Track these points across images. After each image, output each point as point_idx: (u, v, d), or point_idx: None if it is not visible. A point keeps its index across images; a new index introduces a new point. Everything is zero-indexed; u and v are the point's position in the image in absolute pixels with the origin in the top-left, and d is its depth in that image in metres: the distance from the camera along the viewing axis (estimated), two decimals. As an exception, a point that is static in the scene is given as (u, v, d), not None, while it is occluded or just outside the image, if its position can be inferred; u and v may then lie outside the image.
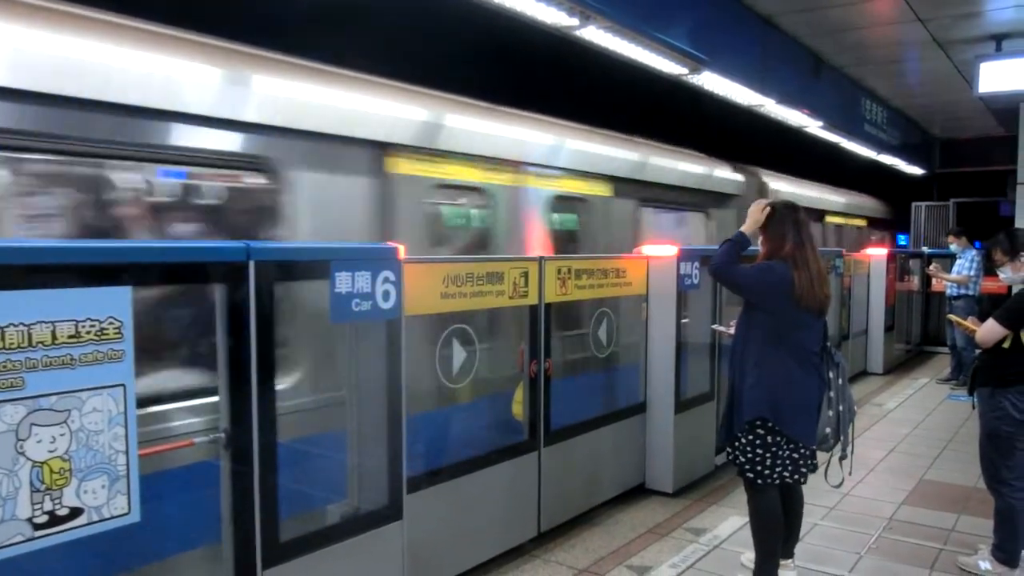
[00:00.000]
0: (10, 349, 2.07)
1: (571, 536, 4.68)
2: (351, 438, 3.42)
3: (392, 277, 3.19)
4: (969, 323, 4.34)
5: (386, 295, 3.17)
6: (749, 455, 3.71)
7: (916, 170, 14.34)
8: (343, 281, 3.00)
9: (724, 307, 5.80)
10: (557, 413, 4.54)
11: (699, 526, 4.82)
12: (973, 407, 4.27)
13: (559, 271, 4.50)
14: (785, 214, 3.78)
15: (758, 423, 3.66)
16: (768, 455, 3.67)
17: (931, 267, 10.25)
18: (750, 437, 3.69)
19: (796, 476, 3.77)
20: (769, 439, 3.66)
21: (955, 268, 9.59)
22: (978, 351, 4.31)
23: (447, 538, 3.94)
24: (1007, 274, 4.32)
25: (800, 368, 3.68)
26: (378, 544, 3.29)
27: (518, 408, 4.44)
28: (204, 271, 2.70)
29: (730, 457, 3.89)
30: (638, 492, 5.41)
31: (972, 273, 9.26)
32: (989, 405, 4.10)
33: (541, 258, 4.37)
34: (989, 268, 7.33)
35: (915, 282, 11.88)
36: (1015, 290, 4.18)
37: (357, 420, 3.39)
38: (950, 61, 9.07)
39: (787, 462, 3.71)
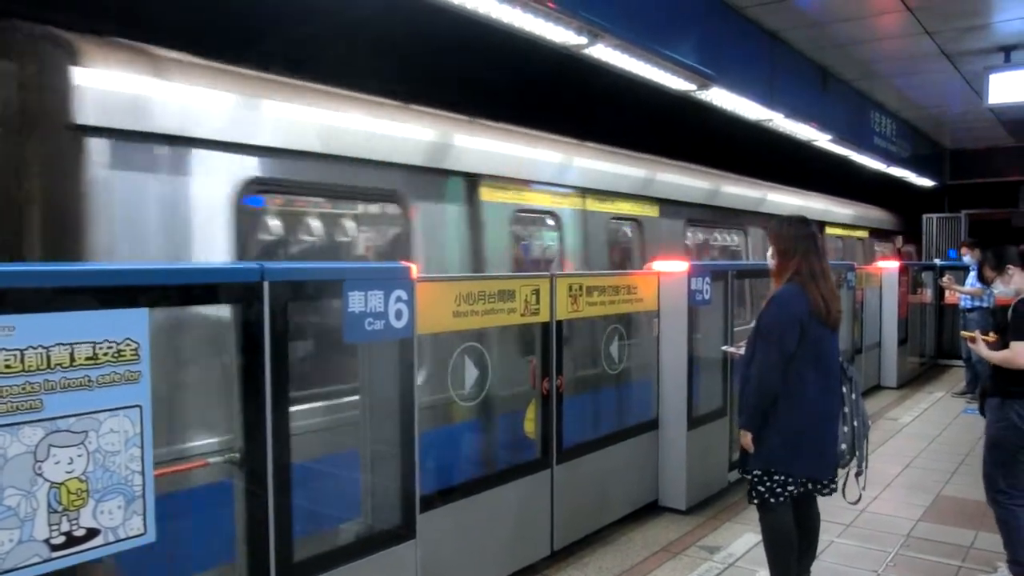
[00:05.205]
0: (29, 371, 2.09)
1: (584, 555, 4.66)
2: (364, 457, 3.42)
3: (404, 296, 3.20)
4: (986, 338, 4.31)
5: (399, 314, 3.18)
6: (758, 480, 3.70)
7: (926, 182, 14.28)
8: (356, 300, 3.02)
9: (735, 324, 5.81)
10: (570, 430, 4.54)
11: (713, 544, 4.79)
12: (989, 421, 4.24)
13: (570, 288, 4.50)
14: (796, 229, 3.74)
15: (773, 470, 3.64)
16: (780, 476, 3.64)
17: (944, 279, 10.20)
18: (761, 476, 3.68)
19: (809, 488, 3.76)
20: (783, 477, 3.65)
21: (969, 280, 9.55)
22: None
23: (460, 557, 3.93)
24: (999, 288, 4.35)
25: (825, 393, 3.63)
26: (391, 563, 3.28)
27: (530, 426, 4.44)
28: (220, 292, 2.73)
29: (742, 474, 3.87)
30: (651, 509, 5.38)
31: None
32: (997, 415, 4.10)
33: (552, 275, 4.38)
34: None
35: (928, 294, 11.81)
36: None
37: (370, 439, 3.40)
38: (959, 73, 9.07)
39: (799, 485, 3.68)
